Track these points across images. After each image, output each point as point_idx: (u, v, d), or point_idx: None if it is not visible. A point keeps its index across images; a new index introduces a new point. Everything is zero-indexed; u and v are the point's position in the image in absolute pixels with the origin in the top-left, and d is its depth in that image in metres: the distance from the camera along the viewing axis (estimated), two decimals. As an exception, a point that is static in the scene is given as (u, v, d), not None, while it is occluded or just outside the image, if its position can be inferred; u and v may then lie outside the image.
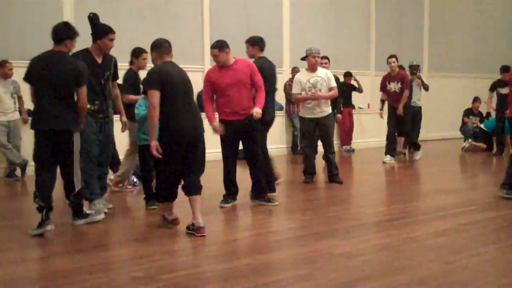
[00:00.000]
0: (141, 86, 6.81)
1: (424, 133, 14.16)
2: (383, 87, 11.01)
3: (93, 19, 6.17)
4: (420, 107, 12.04)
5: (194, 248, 5.06)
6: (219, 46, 6.42)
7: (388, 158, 10.75)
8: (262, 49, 7.21)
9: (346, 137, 13.12)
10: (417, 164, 10.89)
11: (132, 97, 6.89)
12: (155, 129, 5.28)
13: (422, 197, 7.86)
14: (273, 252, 4.94)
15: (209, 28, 11.58)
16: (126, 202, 7.42)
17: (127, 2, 10.36)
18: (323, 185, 8.39)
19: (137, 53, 7.13)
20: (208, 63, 11.54)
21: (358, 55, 13.94)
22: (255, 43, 7.15)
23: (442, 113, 15.32)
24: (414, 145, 11.36)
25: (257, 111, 6.35)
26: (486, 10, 17.11)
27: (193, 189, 5.43)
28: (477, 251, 4.88)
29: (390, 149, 10.85)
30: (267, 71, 6.94)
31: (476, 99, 14.00)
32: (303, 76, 8.28)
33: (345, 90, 12.45)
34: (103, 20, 6.26)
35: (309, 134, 8.37)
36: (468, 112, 13.86)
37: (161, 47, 5.51)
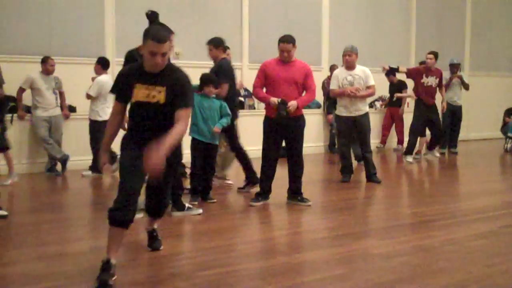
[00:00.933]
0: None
1: (465, 133, 13.94)
2: (417, 76, 10.48)
3: (149, 16, 6.15)
4: (460, 106, 11.86)
5: (230, 245, 5.07)
6: (294, 41, 6.53)
7: (410, 158, 10.56)
8: (225, 50, 7.41)
9: (399, 136, 12.87)
10: (457, 164, 10.72)
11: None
12: None
13: (462, 198, 7.74)
14: (310, 251, 4.92)
15: (247, 25, 11.59)
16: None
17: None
18: (361, 184, 8.33)
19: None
20: (247, 60, 11.56)
21: (398, 53, 13.78)
22: (219, 44, 7.26)
23: (483, 112, 15.05)
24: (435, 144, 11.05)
25: (292, 103, 6.38)
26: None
27: None
28: (518, 254, 4.79)
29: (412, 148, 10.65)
30: (229, 73, 7.18)
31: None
32: (340, 73, 8.23)
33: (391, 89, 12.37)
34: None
35: (346, 133, 8.31)
36: (510, 112, 13.59)
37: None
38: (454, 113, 11.66)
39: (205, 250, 4.87)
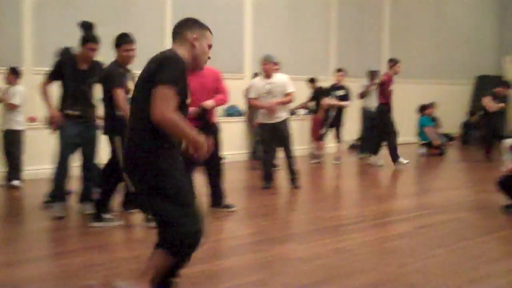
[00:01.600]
0: None
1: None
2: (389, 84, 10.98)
3: (83, 26, 6.25)
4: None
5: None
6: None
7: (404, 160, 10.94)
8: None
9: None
10: (375, 169, 11.03)
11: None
12: None
13: (378, 201, 7.96)
14: (231, 258, 4.97)
15: (170, 33, 11.52)
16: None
17: (86, 5, 10.29)
18: (282, 190, 8.45)
19: None
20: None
21: (318, 60, 14.05)
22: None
23: (400, 118, 15.51)
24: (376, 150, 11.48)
25: (208, 102, 6.47)
26: (446, 16, 17.44)
27: None
28: (430, 254, 4.99)
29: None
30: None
31: (431, 105, 14.25)
32: (259, 82, 8.33)
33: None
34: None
35: (268, 140, 8.43)
36: (422, 108, 14.10)
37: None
38: (372, 119, 12.02)
39: (124, 260, 4.83)
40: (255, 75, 11.61)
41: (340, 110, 11.49)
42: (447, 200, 7.51)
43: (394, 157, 10.77)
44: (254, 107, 8.50)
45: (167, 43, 11.48)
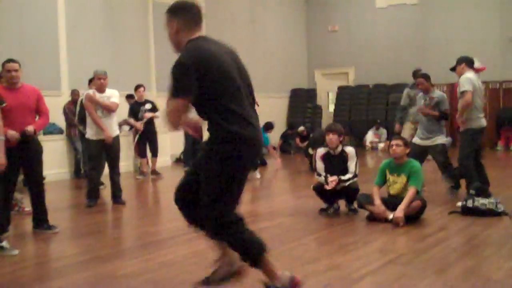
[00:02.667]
0: None
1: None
2: None
3: None
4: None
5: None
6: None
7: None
8: None
9: None
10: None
11: None
12: None
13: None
14: (56, 280, 4.79)
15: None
16: None
17: None
18: (107, 207, 8.30)
19: None
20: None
21: (139, 74, 13.95)
22: None
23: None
24: None
25: (29, 128, 6.18)
26: (259, 36, 18.23)
27: None
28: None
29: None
30: None
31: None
32: (94, 95, 8.13)
33: None
34: None
35: (95, 157, 8.24)
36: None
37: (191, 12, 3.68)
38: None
39: None
40: (73, 92, 11.36)
41: (151, 123, 11.54)
42: (270, 207, 7.87)
43: None
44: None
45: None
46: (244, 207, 7.82)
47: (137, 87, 11.66)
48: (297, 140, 16.52)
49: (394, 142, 6.83)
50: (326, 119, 19.32)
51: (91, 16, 13.11)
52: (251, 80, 3.80)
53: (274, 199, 8.75)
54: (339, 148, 7.08)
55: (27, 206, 7.24)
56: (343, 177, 6.92)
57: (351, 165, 7.00)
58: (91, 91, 8.32)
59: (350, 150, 7.11)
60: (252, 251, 3.72)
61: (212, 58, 3.52)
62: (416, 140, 8.27)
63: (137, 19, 14.24)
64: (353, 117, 18.67)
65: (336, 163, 7.04)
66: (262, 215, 7.34)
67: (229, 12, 17.10)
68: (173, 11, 3.62)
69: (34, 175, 6.45)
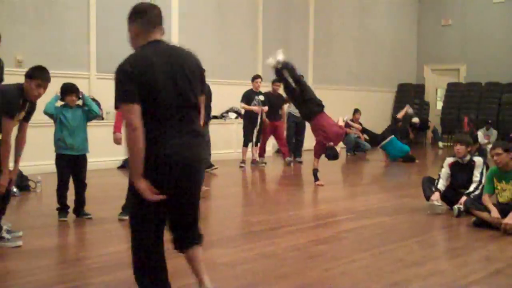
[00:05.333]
0: None
1: (310, 143, 14.56)
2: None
3: None
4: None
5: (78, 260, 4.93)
6: None
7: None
8: None
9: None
10: (302, 173, 11.20)
11: None
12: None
13: (304, 206, 8.10)
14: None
15: (95, 33, 11.31)
16: None
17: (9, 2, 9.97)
18: (214, 194, 8.43)
19: None
20: (95, 69, 11.30)
21: (245, 65, 14.11)
22: None
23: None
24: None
25: None
26: (369, 26, 17.94)
27: (192, 238, 3.72)
28: (353, 257, 5.11)
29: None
30: None
31: (356, 111, 14.64)
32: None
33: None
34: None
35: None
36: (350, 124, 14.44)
37: (147, 15, 3.46)
38: (298, 124, 12.20)
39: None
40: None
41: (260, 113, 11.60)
42: (370, 205, 7.71)
43: None
44: None
45: (92, 45, 11.28)
46: (340, 204, 7.84)
47: (255, 78, 11.73)
48: (410, 131, 16.59)
49: (493, 152, 6.52)
50: (433, 116, 18.74)
51: (202, 5, 13.34)
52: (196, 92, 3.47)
53: (374, 196, 8.57)
54: (468, 158, 7.22)
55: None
56: (468, 191, 6.98)
57: (476, 173, 7.11)
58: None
59: (478, 159, 7.26)
60: None
61: (146, 69, 3.26)
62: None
63: (246, 10, 14.35)
64: (462, 115, 17.96)
65: (464, 172, 7.20)
66: (361, 212, 7.19)
67: (339, 0, 16.89)
68: (130, 16, 3.45)
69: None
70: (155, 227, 3.47)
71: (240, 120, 12.35)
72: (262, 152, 12.13)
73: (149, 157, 3.22)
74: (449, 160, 7.38)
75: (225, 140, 12.55)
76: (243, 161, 11.62)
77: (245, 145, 11.66)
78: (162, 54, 3.35)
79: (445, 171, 7.31)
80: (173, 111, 3.30)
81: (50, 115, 6.35)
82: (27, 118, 5.42)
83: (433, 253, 5.49)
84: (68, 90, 6.40)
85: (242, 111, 11.99)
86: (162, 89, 3.26)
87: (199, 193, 3.66)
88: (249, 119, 11.58)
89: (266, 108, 11.57)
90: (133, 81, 3.19)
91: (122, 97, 3.20)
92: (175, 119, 3.32)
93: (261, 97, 11.60)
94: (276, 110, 11.98)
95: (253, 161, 11.75)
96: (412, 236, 6.03)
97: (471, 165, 7.17)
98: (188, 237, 3.66)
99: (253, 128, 11.55)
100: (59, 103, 6.42)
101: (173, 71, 3.32)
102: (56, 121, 6.36)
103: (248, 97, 11.57)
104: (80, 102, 6.52)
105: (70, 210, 6.44)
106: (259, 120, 11.55)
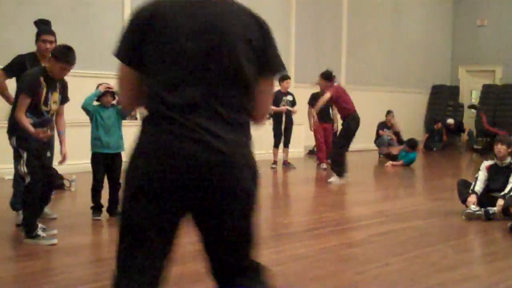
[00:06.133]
0: None
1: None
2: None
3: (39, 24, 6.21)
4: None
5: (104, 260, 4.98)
6: None
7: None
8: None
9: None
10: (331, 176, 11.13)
11: None
12: None
13: (336, 208, 8.04)
14: (191, 262, 4.93)
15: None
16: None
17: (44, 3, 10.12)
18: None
19: None
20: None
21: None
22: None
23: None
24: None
25: None
26: (402, 27, 17.79)
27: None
28: (386, 261, 5.06)
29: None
30: None
31: (389, 112, 14.52)
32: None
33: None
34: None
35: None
36: (382, 125, 14.33)
37: None
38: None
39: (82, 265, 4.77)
40: None
41: (289, 114, 11.51)
42: (403, 208, 7.64)
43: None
44: None
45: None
46: (372, 206, 7.78)
47: (283, 78, 11.58)
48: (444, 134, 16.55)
49: None
50: (467, 118, 18.49)
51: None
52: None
53: (406, 199, 8.49)
54: (507, 160, 7.05)
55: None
56: (503, 192, 6.80)
57: None
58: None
59: None
60: None
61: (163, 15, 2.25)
62: None
63: (279, 10, 14.34)
64: (497, 118, 17.68)
65: (501, 175, 7.03)
66: (393, 215, 7.12)
67: (372, 1, 16.78)
68: None
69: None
70: (147, 248, 2.26)
71: (271, 121, 12.33)
72: (322, 158, 11.87)
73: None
74: (487, 163, 7.26)
75: (256, 141, 12.50)
76: (275, 162, 11.59)
77: (276, 146, 11.63)
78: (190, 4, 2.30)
79: (482, 173, 7.17)
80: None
81: (87, 111, 6.42)
82: (62, 100, 5.56)
83: (468, 257, 5.42)
84: (105, 92, 6.47)
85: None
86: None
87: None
88: (278, 120, 11.55)
89: (296, 108, 11.48)
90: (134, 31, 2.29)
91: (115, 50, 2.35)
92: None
93: (289, 97, 11.54)
94: (325, 110, 11.65)
95: (285, 163, 11.71)
96: (446, 240, 5.95)
97: (509, 168, 7.02)
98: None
99: (282, 129, 11.52)
100: (95, 102, 6.49)
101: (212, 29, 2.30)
102: (92, 120, 6.43)
103: (276, 98, 11.54)
104: (114, 101, 6.59)
105: (104, 209, 6.50)
106: (283, 119, 11.43)
